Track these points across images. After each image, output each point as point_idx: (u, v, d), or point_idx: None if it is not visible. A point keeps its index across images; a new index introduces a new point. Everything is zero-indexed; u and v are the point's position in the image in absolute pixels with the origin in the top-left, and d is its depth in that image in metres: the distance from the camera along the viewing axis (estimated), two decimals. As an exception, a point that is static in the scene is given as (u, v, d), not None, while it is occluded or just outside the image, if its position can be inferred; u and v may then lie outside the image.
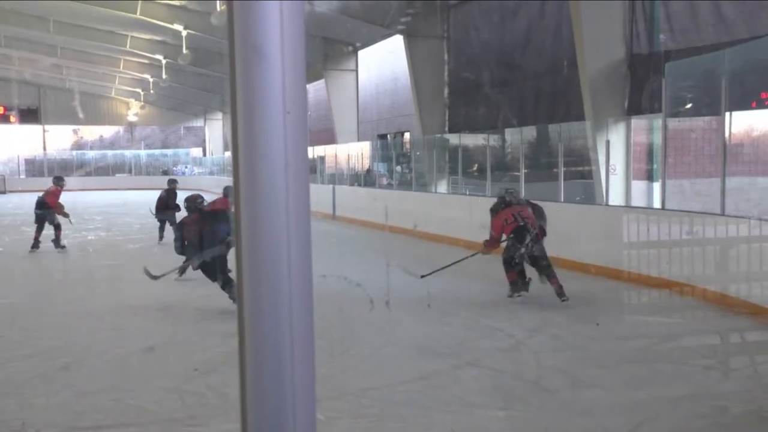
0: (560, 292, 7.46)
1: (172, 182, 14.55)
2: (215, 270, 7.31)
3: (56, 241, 12.53)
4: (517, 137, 13.85)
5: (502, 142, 15.94)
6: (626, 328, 6.93)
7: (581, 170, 12.75)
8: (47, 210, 12.46)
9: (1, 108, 43.42)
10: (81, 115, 43.21)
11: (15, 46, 32.44)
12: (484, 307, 7.65)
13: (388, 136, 24.35)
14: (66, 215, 12.79)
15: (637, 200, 11.85)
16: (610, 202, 11.08)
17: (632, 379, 5.27)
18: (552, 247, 8.19)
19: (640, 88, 11.63)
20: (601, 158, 11.22)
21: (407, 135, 23.15)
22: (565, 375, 5.30)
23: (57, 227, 12.52)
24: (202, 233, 7.42)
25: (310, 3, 18.45)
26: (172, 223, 12.12)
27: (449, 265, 8.57)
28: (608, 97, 11.77)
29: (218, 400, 4.76)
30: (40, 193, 12.93)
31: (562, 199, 11.19)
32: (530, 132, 14.10)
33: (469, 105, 18.09)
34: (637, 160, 12.25)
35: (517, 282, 7.77)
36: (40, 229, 12.43)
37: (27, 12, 26.30)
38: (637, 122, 12.13)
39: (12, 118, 43.96)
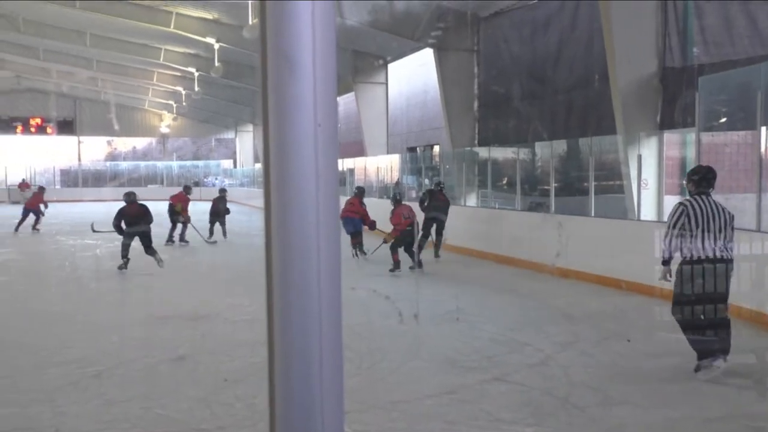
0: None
1: (223, 191, 18.36)
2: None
3: (181, 236, 15.64)
4: (548, 151, 13.76)
5: (532, 155, 15.85)
6: (658, 345, 6.82)
7: (612, 185, 12.62)
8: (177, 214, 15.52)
9: (39, 119, 44.45)
10: (117, 127, 43.97)
11: (53, 60, 33.19)
12: (513, 322, 7.59)
13: (418, 148, 24.35)
14: (187, 219, 15.72)
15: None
16: (642, 217, 10.94)
17: (664, 397, 5.18)
18: (583, 261, 8.11)
19: (673, 102, 11.49)
20: (633, 172, 11.10)
21: (437, 148, 23.13)
22: (595, 391, 5.23)
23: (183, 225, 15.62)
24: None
25: (340, 16, 18.60)
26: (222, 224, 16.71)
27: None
28: (640, 111, 11.64)
29: (246, 411, 4.78)
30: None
31: (593, 214, 11.09)
32: (560, 146, 14.00)
33: (499, 118, 18.04)
34: (669, 175, 12.09)
35: (399, 262, 11.07)
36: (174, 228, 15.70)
37: (65, 26, 26.89)
38: (670, 136, 11.98)
39: (49, 130, 44.95)
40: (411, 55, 22.69)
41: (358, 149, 24.76)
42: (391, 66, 24.67)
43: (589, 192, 11.26)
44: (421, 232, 12.03)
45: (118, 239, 11.51)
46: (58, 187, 42.49)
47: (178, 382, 5.50)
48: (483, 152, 16.60)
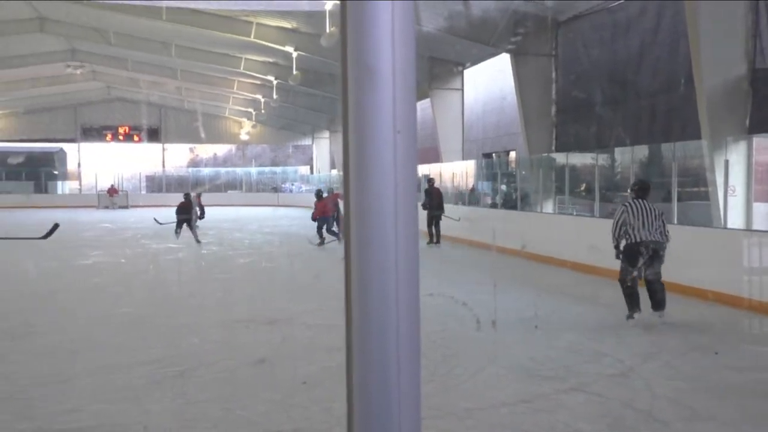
0: None
1: (187, 195, 19.61)
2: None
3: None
4: (628, 156, 13.41)
5: (612, 161, 15.47)
6: (746, 359, 6.53)
7: (697, 191, 12.19)
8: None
9: (127, 128, 46.41)
10: (203, 135, 45.39)
11: (141, 70, 34.56)
12: (592, 331, 7.42)
13: (494, 155, 24.14)
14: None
15: (759, 223, 11.18)
16: (729, 225, 10.51)
17: (753, 413, 4.95)
18: (666, 271, 7.85)
19: (764, 105, 11.01)
20: (719, 179, 10.68)
21: (513, 154, 22.86)
22: (678, 405, 5.04)
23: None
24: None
25: (417, 23, 18.63)
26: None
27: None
28: (727, 115, 11.20)
29: (323, 415, 4.83)
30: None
31: (676, 221, 10.73)
32: (641, 151, 13.61)
33: (577, 124, 17.70)
34: (759, 181, 11.58)
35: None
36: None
37: (153, 38, 27.96)
38: (760, 141, 11.48)
39: (136, 137, 46.88)
40: (487, 61, 22.53)
41: (433, 155, 24.74)
42: (467, 72, 24.56)
43: (672, 199, 10.90)
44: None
45: (191, 247, 11.83)
46: (143, 192, 44.18)
47: (257, 384, 5.61)
48: (560, 158, 16.31)
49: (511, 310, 8.31)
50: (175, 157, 49.61)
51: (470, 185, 20.93)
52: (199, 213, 21.01)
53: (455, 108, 24.60)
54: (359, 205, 0.98)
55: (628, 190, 8.59)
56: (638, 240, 7.59)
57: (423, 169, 23.28)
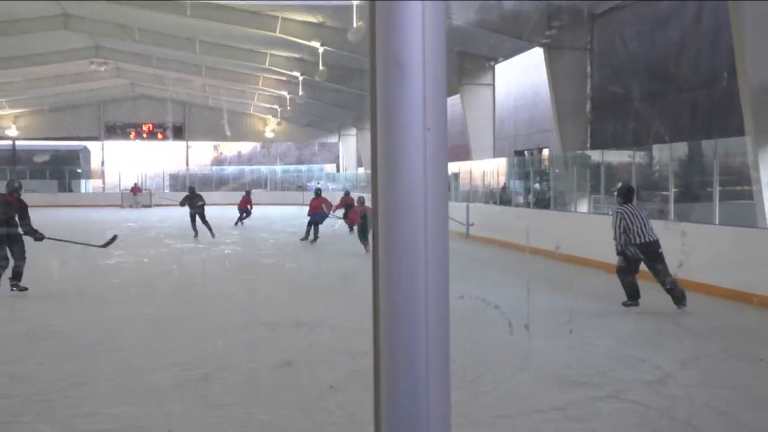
0: None
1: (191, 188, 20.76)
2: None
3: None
4: (666, 154, 13.24)
5: (650, 159, 15.30)
6: (793, 367, 6.40)
7: (740, 190, 12.00)
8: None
9: (151, 125, 46.97)
10: (228, 133, 45.78)
11: (165, 67, 34.98)
12: (630, 336, 7.34)
13: (526, 152, 24.00)
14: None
15: (807, 224, 10.97)
16: (775, 226, 10.34)
17: (800, 424, 4.85)
18: (707, 273, 7.75)
19: (812, 100, 10.80)
20: (764, 177, 10.50)
21: (546, 151, 22.71)
22: (721, 415, 4.96)
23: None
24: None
25: (448, 16, 18.60)
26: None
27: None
28: (773, 110, 11.01)
29: (347, 420, 4.84)
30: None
31: (717, 221, 10.57)
32: (681, 148, 13.44)
33: (613, 120, 17.52)
34: (807, 180, 11.36)
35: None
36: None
37: (177, 34, 28.27)
38: (808, 137, 11.26)
39: (160, 135, 47.43)
40: (520, 55, 22.42)
41: (463, 153, 24.68)
42: (498, 67, 24.46)
43: (714, 198, 10.74)
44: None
45: (222, 244, 11.94)
46: (166, 191, 44.69)
47: (281, 388, 5.64)
48: (596, 156, 16.16)
49: (544, 313, 8.25)
50: (199, 155, 50.14)
51: (501, 184, 20.84)
52: (250, 209, 22.99)
53: (486, 104, 24.53)
54: (388, 204, 0.98)
55: (615, 196, 9.39)
56: (642, 241, 8.45)
57: (453, 168, 23.26)
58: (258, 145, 50.65)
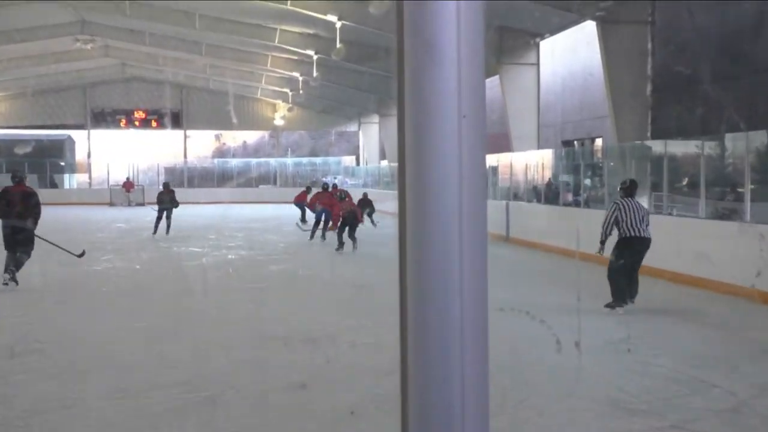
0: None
1: (166, 184, 22.21)
2: None
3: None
4: (742, 144, 13.09)
5: (721, 150, 15.14)
6: None
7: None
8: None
9: (144, 112, 47.25)
10: (234, 120, 45.94)
11: (160, 45, 35.20)
12: (697, 357, 7.27)
13: (575, 142, 23.87)
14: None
15: None
16: None
17: None
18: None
19: None
20: None
21: (599, 141, 22.56)
22: (803, 449, 4.91)
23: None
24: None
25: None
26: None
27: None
28: None
29: (369, 451, 4.86)
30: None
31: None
32: (758, 138, 13.27)
33: (678, 105, 17.37)
34: None
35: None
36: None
37: (174, 7, 28.46)
38: None
39: (154, 123, 47.69)
40: (569, 30, 22.29)
41: (502, 143, 24.61)
42: (544, 44, 24.34)
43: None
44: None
45: (225, 248, 12.04)
46: (161, 188, 44.92)
47: (293, 413, 5.67)
48: (657, 146, 16.02)
49: (597, 329, 8.20)
50: (198, 146, 50.47)
51: (546, 179, 20.74)
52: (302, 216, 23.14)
53: (529, 87, 24.42)
54: (417, 203, 0.99)
55: (618, 189, 10.47)
56: (630, 235, 9.48)
57: (491, 160, 23.19)
58: (266, 134, 50.88)
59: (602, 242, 9.78)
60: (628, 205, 9.62)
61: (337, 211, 17.49)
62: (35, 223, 11.31)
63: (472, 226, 0.98)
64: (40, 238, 11.70)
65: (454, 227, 0.97)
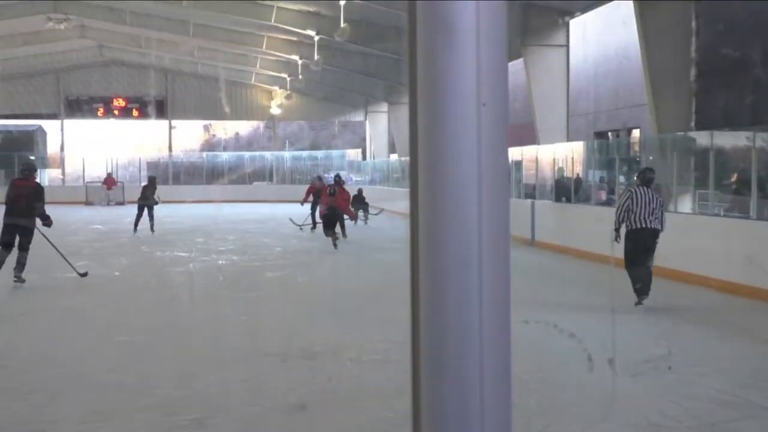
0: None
1: (152, 178, 24.00)
2: None
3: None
4: (799, 136, 13.07)
5: (775, 142, 15.10)
6: None
7: None
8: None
9: (123, 100, 47.26)
10: (227, 109, 45.93)
11: (143, 25, 35.21)
12: (747, 377, 7.25)
13: (610, 134, 23.83)
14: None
15: None
16: None
17: None
18: None
19: None
20: None
21: (636, 133, 22.52)
22: None
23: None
24: None
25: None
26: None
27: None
28: None
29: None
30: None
31: None
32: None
33: (727, 92, 17.32)
34: None
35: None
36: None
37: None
38: None
39: (135, 112, 47.70)
40: (602, 8, 22.27)
41: (527, 134, 24.56)
42: (574, 23, 24.31)
43: None
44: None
45: (215, 253, 12.10)
46: (144, 183, 45.04)
47: (291, 438, 5.67)
48: (702, 138, 15.98)
49: (634, 344, 8.19)
50: (185, 138, 50.60)
51: (576, 174, 20.72)
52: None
53: (557, 71, 24.37)
54: (431, 202, 0.99)
55: (635, 177, 11.52)
56: (638, 227, 10.38)
57: (514, 154, 23.17)
58: (261, 124, 50.97)
59: (616, 229, 10.74)
60: (641, 194, 10.48)
61: (322, 210, 18.70)
62: (45, 220, 12.44)
63: (492, 228, 0.98)
64: (48, 241, 12.66)
65: (472, 229, 0.97)
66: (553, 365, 7.35)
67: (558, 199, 19.72)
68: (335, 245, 17.84)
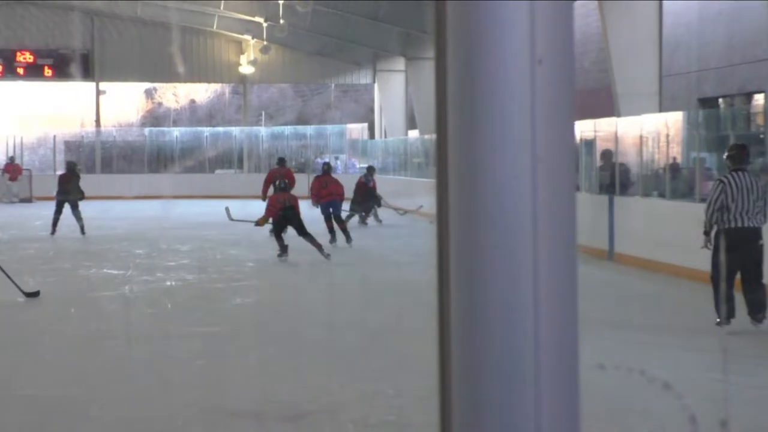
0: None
1: (72, 164, 27.28)
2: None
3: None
4: None
5: None
6: None
7: None
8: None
9: (31, 54, 47.03)
10: (180, 69, 45.73)
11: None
12: None
13: (720, 101, 23.77)
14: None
15: None
16: None
17: None
18: None
19: None
20: None
21: (760, 98, 22.46)
22: None
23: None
24: None
25: None
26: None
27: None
28: None
29: None
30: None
31: None
32: None
33: None
34: None
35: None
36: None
37: None
38: None
39: (48, 71, 47.50)
40: None
41: (602, 102, 24.55)
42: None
43: None
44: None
45: (161, 270, 12.19)
46: (59, 172, 45.07)
47: None
48: None
49: (755, 399, 8.17)
50: (119, 108, 50.61)
51: (672, 157, 20.66)
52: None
53: (646, 17, 24.33)
54: (467, 199, 1.00)
55: (724, 157, 11.75)
56: (733, 226, 10.66)
57: (583, 129, 23.11)
58: (227, 89, 51.02)
59: (706, 233, 11.00)
60: (738, 182, 10.68)
61: (272, 205, 19.48)
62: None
63: (551, 235, 0.99)
64: None
65: (524, 237, 0.99)
66: (639, 424, 7.35)
67: (646, 194, 19.66)
68: (324, 254, 18.27)
